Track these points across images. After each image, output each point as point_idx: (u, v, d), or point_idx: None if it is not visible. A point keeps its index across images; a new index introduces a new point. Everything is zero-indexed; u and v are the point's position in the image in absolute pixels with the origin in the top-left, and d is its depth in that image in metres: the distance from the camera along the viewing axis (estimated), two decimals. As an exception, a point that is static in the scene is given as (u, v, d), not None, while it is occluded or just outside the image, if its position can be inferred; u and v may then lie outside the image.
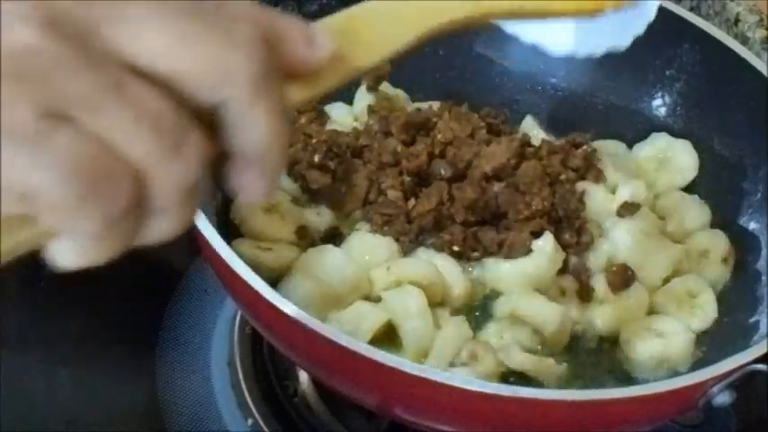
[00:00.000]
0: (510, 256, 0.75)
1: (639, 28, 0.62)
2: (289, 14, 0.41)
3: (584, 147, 0.86)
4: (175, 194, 0.35)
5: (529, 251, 0.75)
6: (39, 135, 0.32)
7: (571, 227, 0.79)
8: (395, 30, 0.48)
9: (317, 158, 0.77)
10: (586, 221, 0.81)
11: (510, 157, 0.79)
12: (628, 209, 0.81)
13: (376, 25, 0.47)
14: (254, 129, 0.36)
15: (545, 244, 0.75)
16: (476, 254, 0.76)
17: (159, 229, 0.36)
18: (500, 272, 0.75)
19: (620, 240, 0.80)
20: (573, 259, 0.79)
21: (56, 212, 0.33)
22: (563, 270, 0.77)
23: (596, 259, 0.80)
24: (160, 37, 0.34)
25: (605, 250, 0.80)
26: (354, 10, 0.47)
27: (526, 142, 0.84)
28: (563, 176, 0.81)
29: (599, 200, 0.83)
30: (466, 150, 0.80)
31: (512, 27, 0.62)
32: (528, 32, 0.63)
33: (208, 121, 0.36)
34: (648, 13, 0.62)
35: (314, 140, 0.78)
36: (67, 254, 0.36)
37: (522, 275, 0.75)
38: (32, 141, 0.32)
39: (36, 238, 0.35)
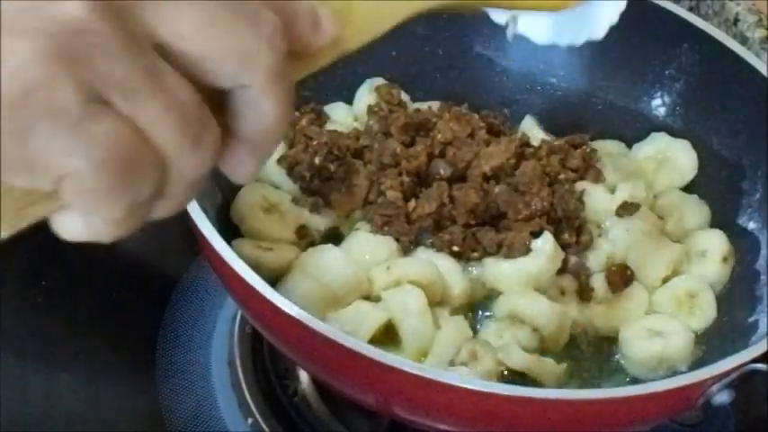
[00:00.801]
0: (509, 255, 0.76)
1: (614, 17, 0.64)
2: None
3: (584, 147, 0.86)
4: (189, 182, 0.36)
5: (528, 251, 0.76)
6: (81, 120, 0.32)
7: (570, 227, 0.79)
8: (383, 10, 0.49)
9: (317, 160, 0.77)
10: (586, 221, 0.81)
11: (509, 157, 0.79)
12: (627, 209, 0.82)
13: (367, 6, 0.48)
14: (263, 114, 0.37)
15: (544, 244, 0.75)
16: (475, 254, 0.76)
17: (162, 210, 0.37)
18: (500, 271, 0.76)
19: (619, 240, 0.81)
20: (572, 259, 0.79)
21: (83, 196, 0.33)
22: (562, 270, 0.78)
23: (596, 259, 0.80)
24: (192, 20, 0.34)
25: (605, 250, 0.80)
26: None
27: (525, 142, 0.84)
28: (562, 176, 0.81)
29: (598, 200, 0.83)
30: (466, 150, 0.80)
31: (497, 17, 0.64)
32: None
33: (215, 101, 0.37)
34: (620, 2, 0.64)
35: (314, 142, 0.78)
36: (76, 228, 0.35)
37: (521, 275, 0.75)
38: (74, 126, 0.32)
39: (50, 212, 0.35)
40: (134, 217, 0.35)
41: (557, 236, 0.77)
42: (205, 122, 0.35)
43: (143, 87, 0.33)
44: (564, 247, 0.78)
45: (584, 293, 0.78)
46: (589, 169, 0.85)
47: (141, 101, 0.33)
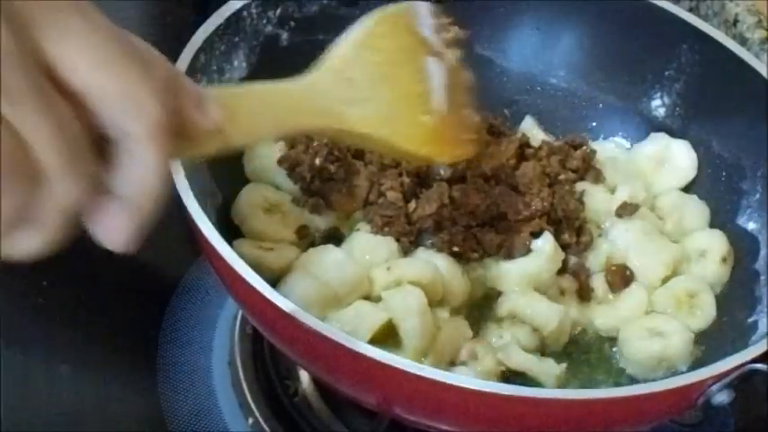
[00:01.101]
0: (510, 256, 0.76)
1: None
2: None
3: (584, 147, 0.86)
4: (61, 209, 0.37)
5: (528, 251, 0.76)
6: None
7: (570, 227, 0.79)
8: (265, 120, 0.53)
9: (318, 161, 0.77)
10: (586, 222, 0.81)
11: (509, 157, 0.79)
12: (626, 209, 0.82)
13: (253, 112, 0.52)
14: (141, 166, 0.39)
15: (544, 244, 0.75)
16: (475, 255, 0.76)
17: (27, 243, 0.38)
18: (500, 272, 0.76)
19: (619, 240, 0.81)
20: (572, 259, 0.79)
21: None
22: (562, 270, 0.78)
23: (595, 259, 0.80)
24: (87, 57, 0.36)
25: (604, 250, 0.80)
26: (239, 90, 0.51)
27: (525, 143, 0.84)
28: (562, 177, 0.82)
29: (598, 200, 0.83)
30: (466, 151, 0.80)
31: None
32: None
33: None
34: None
35: (315, 143, 0.78)
36: None
37: (521, 275, 0.75)
38: None
39: None
40: (4, 231, 0.36)
41: (557, 236, 0.77)
42: (85, 153, 0.37)
43: (31, 101, 0.34)
44: (564, 247, 0.78)
45: (584, 293, 0.78)
46: (589, 169, 0.85)
47: (27, 113, 0.34)
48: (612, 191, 0.85)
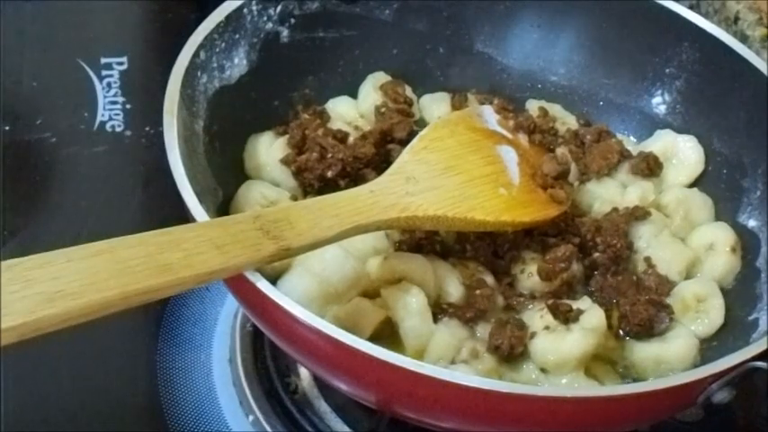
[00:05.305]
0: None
1: None
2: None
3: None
4: None
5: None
6: None
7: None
8: (329, 226, 0.59)
9: (330, 174, 0.77)
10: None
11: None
12: (638, 215, 0.81)
13: (313, 220, 0.59)
14: None
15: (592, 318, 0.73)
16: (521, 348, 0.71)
17: None
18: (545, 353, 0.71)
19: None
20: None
21: None
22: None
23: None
24: None
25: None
26: (297, 203, 0.59)
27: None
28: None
29: (612, 193, 0.84)
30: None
31: None
32: None
33: None
34: None
35: (330, 155, 0.78)
36: None
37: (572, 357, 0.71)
38: None
39: None
40: None
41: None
42: None
43: None
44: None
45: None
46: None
47: None
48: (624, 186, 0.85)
